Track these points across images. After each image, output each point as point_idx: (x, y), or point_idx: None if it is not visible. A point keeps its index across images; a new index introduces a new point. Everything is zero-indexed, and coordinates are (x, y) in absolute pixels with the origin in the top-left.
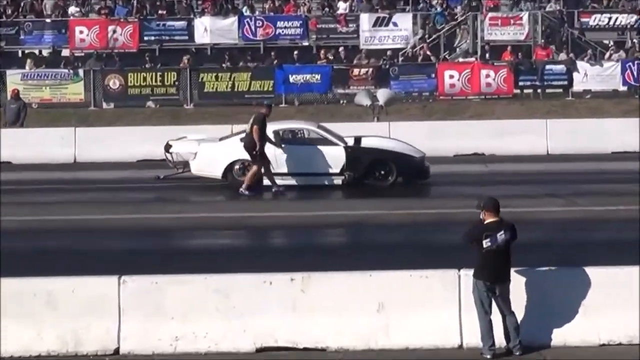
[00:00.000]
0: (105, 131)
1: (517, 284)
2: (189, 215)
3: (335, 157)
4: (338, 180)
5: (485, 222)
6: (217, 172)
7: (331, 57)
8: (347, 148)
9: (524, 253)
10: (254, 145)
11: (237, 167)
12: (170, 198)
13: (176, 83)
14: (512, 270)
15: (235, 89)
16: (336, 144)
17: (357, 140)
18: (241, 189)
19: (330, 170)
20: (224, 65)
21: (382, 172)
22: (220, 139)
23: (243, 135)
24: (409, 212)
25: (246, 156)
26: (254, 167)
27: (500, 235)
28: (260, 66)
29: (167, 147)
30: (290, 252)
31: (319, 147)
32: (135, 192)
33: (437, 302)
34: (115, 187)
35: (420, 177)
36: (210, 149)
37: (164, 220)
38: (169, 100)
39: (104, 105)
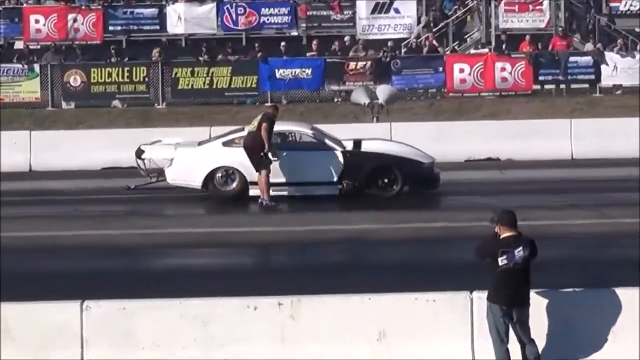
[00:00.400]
0: (65, 135)
1: (538, 308)
2: (163, 231)
3: (332, 163)
4: (335, 190)
5: (501, 237)
6: (196, 181)
7: (324, 49)
8: (345, 153)
9: (546, 272)
10: (260, 145)
11: (219, 175)
12: (142, 211)
13: (146, 79)
14: (532, 293)
15: (214, 86)
16: (333, 149)
17: (357, 144)
18: (264, 201)
19: (327, 179)
20: (200, 58)
21: (386, 181)
22: (200, 143)
23: (226, 138)
24: (412, 226)
25: (229, 162)
26: (263, 172)
27: (519, 252)
28: (242, 59)
29: (139, 153)
30: (278, 273)
31: (314, 152)
32: (100, 204)
33: (446, 329)
34: (77, 199)
35: (429, 185)
36: (189, 155)
37: (133, 236)
38: (138, 99)
39: (64, 105)
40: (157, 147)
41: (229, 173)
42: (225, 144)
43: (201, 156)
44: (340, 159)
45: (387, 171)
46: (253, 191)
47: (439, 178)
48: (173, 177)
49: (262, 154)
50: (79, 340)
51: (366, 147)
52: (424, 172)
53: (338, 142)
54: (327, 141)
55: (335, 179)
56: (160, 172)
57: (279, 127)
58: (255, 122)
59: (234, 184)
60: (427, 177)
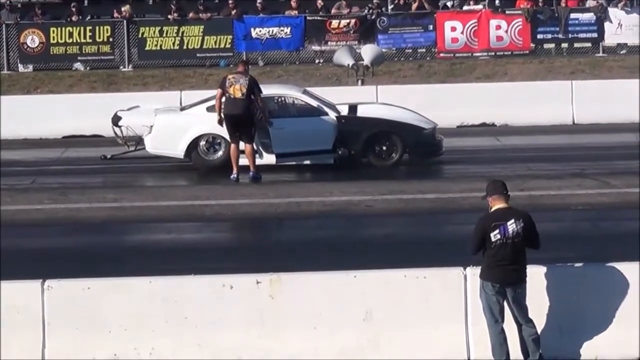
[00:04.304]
0: (22, 100)
1: (536, 285)
2: (132, 204)
3: (326, 130)
4: (330, 159)
5: (492, 209)
6: (178, 150)
7: (304, 6)
8: (340, 119)
9: (545, 246)
10: (251, 114)
11: (203, 143)
12: (111, 183)
13: (110, 39)
14: (530, 268)
15: (185, 47)
16: (327, 114)
17: (353, 108)
18: (253, 173)
19: (320, 147)
20: (169, 16)
21: (384, 148)
22: (182, 109)
23: (210, 103)
24: (400, 197)
25: (214, 129)
26: (250, 145)
27: (511, 225)
28: (215, 17)
29: (116, 120)
30: (256, 249)
31: (306, 118)
32: (62, 176)
33: (437, 308)
34: (36, 171)
35: (431, 153)
36: (170, 121)
37: (101, 211)
38: (102, 61)
39: (20, 67)
40: (135, 113)
41: (214, 141)
42: (209, 109)
43: (183, 123)
44: (335, 124)
45: (385, 138)
46: (242, 160)
47: (441, 145)
48: (153, 145)
49: (253, 124)
50: (40, 322)
51: (362, 111)
52: (426, 138)
53: (332, 106)
54: (320, 105)
55: (329, 146)
56: (139, 140)
57: (267, 90)
58: (238, 86)
59: (220, 153)
60: (428, 144)
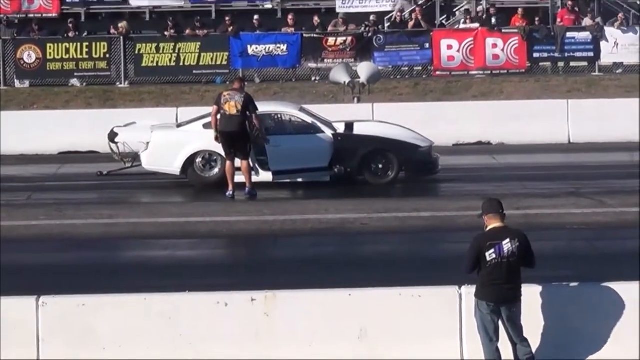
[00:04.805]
0: (19, 116)
1: (531, 304)
2: (127, 221)
3: (322, 147)
4: (326, 177)
5: (487, 228)
6: (174, 167)
7: (300, 24)
8: (336, 136)
9: (540, 266)
10: (246, 131)
11: (199, 160)
12: (106, 200)
13: (107, 56)
14: (525, 287)
15: (181, 63)
16: (323, 132)
17: (349, 126)
18: (249, 190)
19: (317, 165)
20: (166, 33)
21: (381, 166)
22: (179, 125)
23: (207, 120)
24: (396, 215)
25: (211, 146)
26: (245, 161)
27: (507, 245)
28: (211, 34)
29: (112, 136)
30: (251, 266)
31: (302, 135)
32: (57, 192)
33: (432, 327)
34: (32, 187)
35: (427, 171)
36: (166, 138)
37: (96, 227)
38: (98, 77)
39: (17, 83)
40: (131, 130)
41: (210, 158)
42: (206, 126)
43: (180, 139)
44: (331, 142)
45: (381, 156)
46: (238, 177)
47: (437, 163)
48: (149, 162)
49: (248, 141)
50: (34, 338)
51: (359, 129)
52: (422, 157)
53: (328, 124)
54: (316, 123)
55: (325, 164)
56: (135, 157)
57: (263, 108)
58: (233, 103)
59: (216, 170)
60: (424, 163)
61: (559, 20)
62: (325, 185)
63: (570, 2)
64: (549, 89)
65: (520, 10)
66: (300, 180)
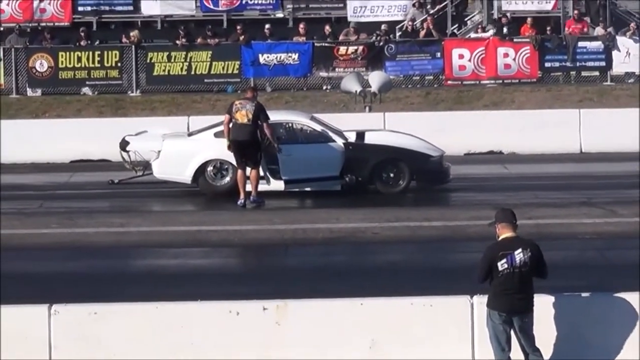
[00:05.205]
0: (31, 125)
1: (544, 314)
2: (138, 229)
3: (333, 156)
4: (337, 186)
5: (500, 238)
6: (185, 175)
7: (311, 33)
8: (348, 145)
9: (552, 275)
10: (257, 140)
11: (210, 168)
12: (118, 208)
13: (118, 64)
14: (537, 297)
15: (192, 72)
16: (335, 141)
17: (360, 135)
18: (254, 198)
19: (328, 174)
20: (178, 42)
21: (392, 175)
22: (190, 134)
23: (218, 129)
24: (407, 224)
25: (222, 155)
26: (255, 170)
27: (518, 254)
28: (223, 43)
29: (124, 145)
30: (262, 275)
31: (314, 144)
32: (69, 200)
33: (444, 336)
34: (45, 195)
35: (439, 180)
36: (177, 147)
37: (108, 235)
38: (110, 86)
39: (29, 92)
40: (143, 139)
41: (222, 166)
42: (217, 134)
43: (191, 148)
44: (342, 151)
45: (393, 165)
46: (249, 186)
47: (448, 172)
48: (160, 170)
49: (259, 150)
50: (46, 346)
51: (370, 138)
52: (433, 166)
53: (340, 133)
54: (327, 132)
55: (337, 173)
56: (146, 165)
57: (274, 117)
58: (244, 112)
59: (227, 179)
60: (436, 172)
61: (566, 29)
62: (337, 194)
63: (576, 12)
64: (561, 98)
65: (529, 19)
66: (311, 189)
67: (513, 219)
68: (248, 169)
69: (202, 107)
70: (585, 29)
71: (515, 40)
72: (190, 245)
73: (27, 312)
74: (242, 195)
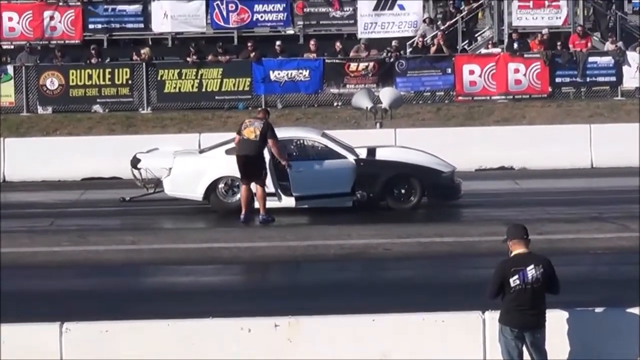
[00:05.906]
0: (42, 142)
1: (556, 330)
2: (150, 247)
3: (344, 173)
4: (348, 202)
5: (512, 254)
6: (197, 193)
7: (322, 49)
8: (359, 162)
9: (564, 291)
10: (262, 156)
11: (221, 185)
12: (129, 226)
13: (129, 82)
14: (549, 313)
15: (203, 89)
16: (345, 157)
17: (371, 151)
18: (263, 216)
19: (339, 190)
20: (188, 59)
21: (403, 191)
22: (201, 151)
23: (229, 146)
24: (419, 240)
25: (233, 172)
26: (261, 188)
27: (530, 270)
28: (234, 60)
29: (135, 162)
30: (274, 292)
31: (324, 161)
32: (80, 218)
33: (456, 352)
34: (55, 213)
35: (450, 196)
36: (188, 164)
37: (119, 253)
38: (121, 104)
39: (40, 110)
40: (154, 156)
41: (233, 183)
42: (228, 152)
43: (202, 165)
44: (353, 167)
45: (404, 181)
46: (257, 203)
47: (460, 188)
48: (172, 188)
49: (264, 168)
50: None
51: (381, 155)
52: (444, 182)
53: (351, 149)
54: (338, 149)
55: (348, 189)
56: (157, 183)
57: (285, 133)
58: (252, 129)
59: (238, 196)
60: (447, 188)
61: (571, 46)
62: (348, 210)
63: (580, 27)
64: (571, 113)
65: (539, 35)
66: (322, 205)
67: (525, 235)
68: (253, 186)
69: (213, 124)
70: (590, 44)
71: (525, 55)
72: (201, 263)
73: (39, 330)
74: (243, 211)
